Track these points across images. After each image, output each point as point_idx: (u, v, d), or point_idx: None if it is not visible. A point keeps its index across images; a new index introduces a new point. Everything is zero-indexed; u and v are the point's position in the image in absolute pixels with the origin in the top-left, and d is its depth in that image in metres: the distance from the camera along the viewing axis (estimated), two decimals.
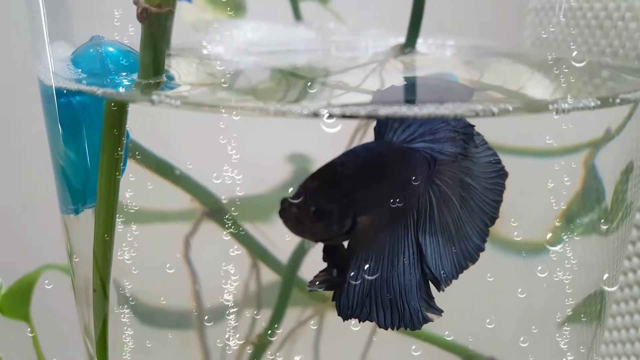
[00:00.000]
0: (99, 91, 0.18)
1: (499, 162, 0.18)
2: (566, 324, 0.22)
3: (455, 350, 0.22)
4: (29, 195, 0.51)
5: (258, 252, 0.21)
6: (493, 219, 0.19)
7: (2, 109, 0.50)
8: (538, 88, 0.24)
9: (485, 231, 0.19)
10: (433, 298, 0.19)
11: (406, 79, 0.25)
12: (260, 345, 0.22)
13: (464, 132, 0.18)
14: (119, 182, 0.19)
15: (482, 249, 0.19)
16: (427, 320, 0.19)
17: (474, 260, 0.19)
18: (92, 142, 0.20)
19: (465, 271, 0.18)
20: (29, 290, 0.36)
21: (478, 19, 0.30)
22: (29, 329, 0.36)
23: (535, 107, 0.18)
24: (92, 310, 0.21)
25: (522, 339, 0.21)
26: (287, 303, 0.22)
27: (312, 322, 0.21)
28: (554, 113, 0.16)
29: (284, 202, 0.17)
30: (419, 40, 0.29)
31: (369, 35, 0.32)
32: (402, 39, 0.29)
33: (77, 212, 0.21)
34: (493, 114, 0.16)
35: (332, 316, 0.19)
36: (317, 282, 0.18)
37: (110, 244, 0.19)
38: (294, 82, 0.24)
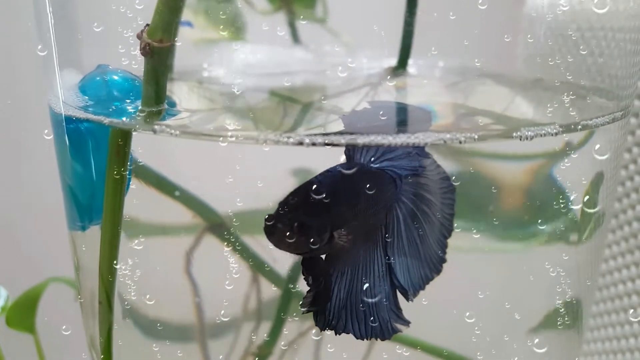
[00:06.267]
0: (106, 120, 0.19)
1: (448, 178, 0.20)
2: (539, 333, 0.23)
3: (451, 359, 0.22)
4: (36, 209, 0.52)
5: (258, 266, 0.22)
6: (450, 231, 0.20)
7: (6, 121, 0.51)
8: (518, 111, 0.25)
9: (445, 243, 0.20)
10: (401, 309, 0.20)
11: (370, 102, 0.26)
12: (261, 356, 0.23)
13: (415, 147, 0.19)
14: (124, 201, 0.20)
15: (445, 261, 0.20)
16: (396, 330, 0.20)
17: (438, 271, 0.20)
18: (98, 164, 0.21)
19: (430, 282, 0.20)
20: (35, 302, 0.37)
21: (470, 37, 0.31)
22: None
23: (500, 134, 0.19)
24: (98, 322, 0.23)
25: (494, 348, 0.22)
26: (286, 315, 0.22)
27: (312, 332, 0.22)
28: (519, 139, 0.18)
29: (269, 218, 0.18)
30: (410, 61, 0.30)
31: (363, 55, 0.33)
32: (395, 60, 0.30)
33: (84, 228, 0.22)
34: (460, 142, 0.17)
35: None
36: (307, 302, 0.20)
37: (115, 259, 0.20)
38: (290, 107, 0.26)
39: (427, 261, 0.20)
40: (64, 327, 0.43)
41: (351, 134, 0.18)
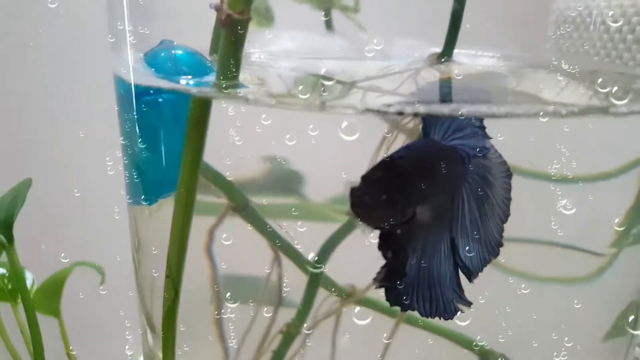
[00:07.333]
0: (194, 90, 0.19)
1: (505, 162, 0.20)
2: (606, 333, 0.23)
3: (470, 346, 0.22)
4: (36, 208, 0.51)
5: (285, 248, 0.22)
6: (507, 216, 0.20)
7: (6, 121, 0.50)
8: (574, 96, 0.25)
9: (502, 227, 0.20)
10: (463, 290, 0.20)
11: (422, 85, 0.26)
12: (289, 334, 0.23)
13: (480, 127, 0.19)
14: (199, 175, 0.20)
15: (502, 244, 0.20)
16: (458, 311, 0.20)
17: (496, 254, 0.20)
18: (174, 136, 0.21)
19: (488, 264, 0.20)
20: (60, 286, 0.37)
21: (503, 31, 0.31)
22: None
23: (596, 110, 0.19)
24: (158, 299, 0.22)
25: (558, 345, 0.22)
26: (315, 295, 0.23)
27: (339, 313, 0.22)
28: (613, 116, 0.18)
29: (354, 191, 0.18)
30: (455, 51, 0.30)
31: (401, 46, 0.33)
32: (433, 50, 0.30)
33: (151, 202, 0.22)
34: (562, 116, 0.17)
35: (355, 310, 0.21)
36: (381, 277, 0.20)
37: (187, 233, 0.20)
38: (330, 88, 0.25)
39: (486, 244, 0.20)
40: (88, 310, 0.43)
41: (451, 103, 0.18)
